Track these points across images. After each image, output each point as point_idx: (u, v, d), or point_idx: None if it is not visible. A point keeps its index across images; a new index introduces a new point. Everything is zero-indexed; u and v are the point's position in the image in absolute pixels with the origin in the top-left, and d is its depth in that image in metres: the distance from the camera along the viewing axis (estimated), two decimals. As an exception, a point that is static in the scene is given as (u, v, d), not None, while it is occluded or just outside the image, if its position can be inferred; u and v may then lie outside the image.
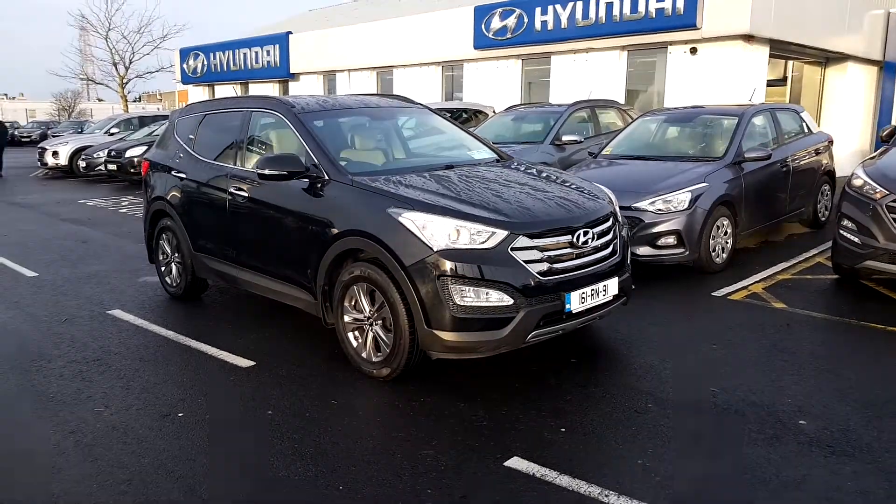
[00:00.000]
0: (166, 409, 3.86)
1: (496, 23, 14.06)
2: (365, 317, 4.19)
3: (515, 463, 3.18)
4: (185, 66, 24.73)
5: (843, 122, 14.62)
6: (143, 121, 20.84)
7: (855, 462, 3.17)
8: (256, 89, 22.82)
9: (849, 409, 3.71)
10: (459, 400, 3.88)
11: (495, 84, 14.99)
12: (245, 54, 22.21)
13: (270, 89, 22.25)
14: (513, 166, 4.98)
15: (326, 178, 4.42)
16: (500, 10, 13.94)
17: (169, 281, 6.20)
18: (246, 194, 4.99)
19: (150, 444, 3.44)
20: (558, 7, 12.83)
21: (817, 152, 8.38)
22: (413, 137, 5.44)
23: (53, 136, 26.43)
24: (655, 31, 11.75)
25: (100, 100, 69.08)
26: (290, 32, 20.64)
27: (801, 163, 7.95)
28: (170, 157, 6.03)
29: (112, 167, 16.13)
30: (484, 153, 5.26)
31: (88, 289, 6.52)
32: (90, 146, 17.94)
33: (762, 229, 7.57)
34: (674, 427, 3.53)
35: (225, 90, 24.02)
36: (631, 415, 3.68)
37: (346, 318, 4.33)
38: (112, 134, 19.87)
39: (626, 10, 11.88)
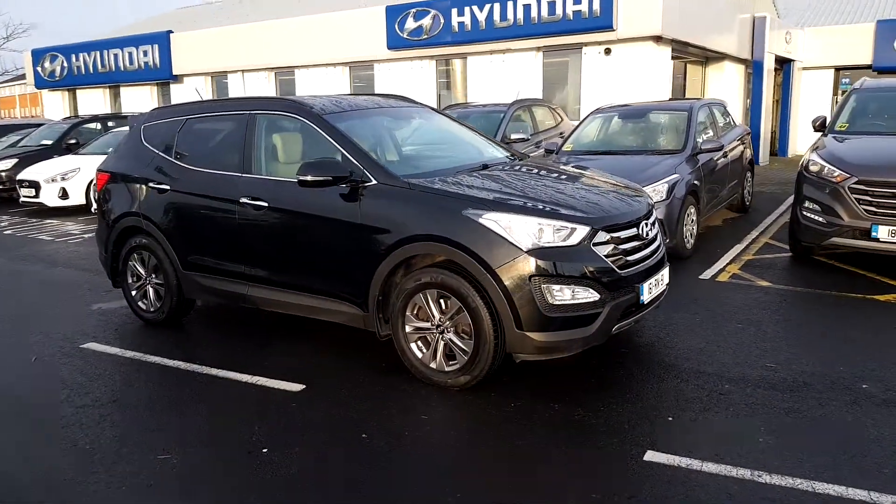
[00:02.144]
0: (242, 445, 3.48)
1: (411, 23, 14.00)
2: (434, 325, 4.02)
3: (653, 457, 3.20)
4: (39, 69, 22.36)
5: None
6: (-2, 130, 18.53)
7: (932, 417, 3.51)
8: (130, 93, 21.15)
9: (892, 370, 4.09)
10: (549, 401, 3.84)
11: (409, 85, 14.90)
12: (116, 55, 20.46)
13: (147, 93, 20.70)
14: (546, 164, 5.01)
15: (374, 182, 4.19)
16: (414, 10, 13.90)
17: (144, 305, 5.58)
18: (264, 204, 4.60)
19: (254, 484, 3.10)
20: (475, 8, 13.01)
21: (742, 143, 9.14)
22: (431, 137, 5.28)
23: None
24: (572, 32, 12.26)
25: None
26: (171, 31, 19.28)
27: (734, 152, 8.63)
28: (142, 168, 5.43)
29: (-26, 183, 14.21)
30: (502, 151, 5.22)
31: (35, 324, 5.71)
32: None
33: (711, 216, 8.14)
34: (762, 404, 3.71)
35: (91, 94, 22.02)
36: (717, 397, 3.83)
37: (408, 329, 4.13)
38: (-41, 147, 17.48)
39: (544, 12, 12.29)
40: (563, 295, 3.71)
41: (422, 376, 4.11)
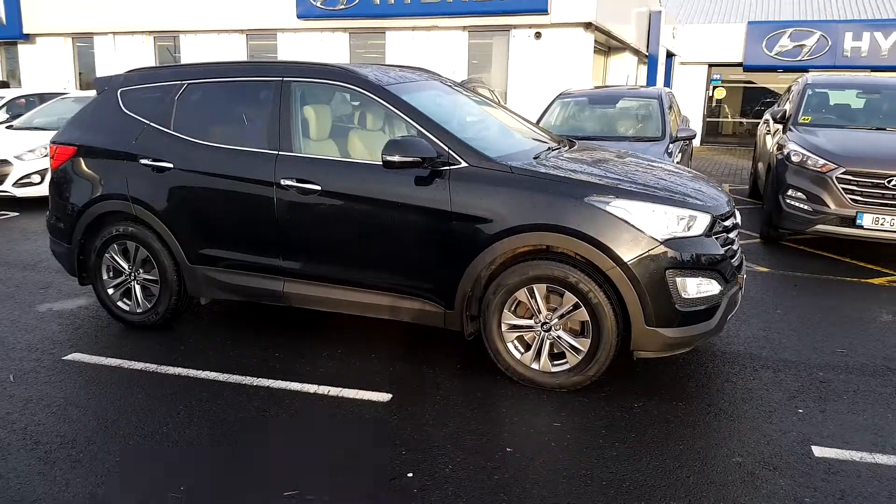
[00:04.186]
0: (378, 470, 2.95)
1: (326, -9, 13.12)
2: (539, 322, 3.68)
3: (822, 452, 3.12)
4: None
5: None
6: None
7: None
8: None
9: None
10: (668, 399, 3.65)
11: (317, 58, 13.99)
12: (-53, 6, 17.35)
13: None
14: (607, 149, 4.79)
15: (464, 164, 3.74)
16: (330, -23, 13.04)
17: (127, 306, 4.66)
18: (315, 187, 3.97)
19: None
20: (402, -19, 12.44)
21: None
22: (476, 114, 4.83)
23: None
24: (504, 13, 12.09)
25: None
26: (23, -18, 16.67)
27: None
28: (126, 141, 4.51)
29: None
30: (544, 134, 4.92)
31: (-21, 331, 4.62)
32: None
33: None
34: (868, 391, 3.76)
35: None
36: (820, 386, 3.84)
37: (504, 327, 3.76)
38: None
39: (477, -10, 12.02)
40: (693, 288, 3.53)
41: (520, 378, 3.76)
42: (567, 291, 3.58)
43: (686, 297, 3.51)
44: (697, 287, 3.56)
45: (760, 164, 9.01)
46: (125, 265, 4.61)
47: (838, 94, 7.94)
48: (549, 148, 4.39)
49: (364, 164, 3.99)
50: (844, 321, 4.92)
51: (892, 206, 6.11)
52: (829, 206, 6.34)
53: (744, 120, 23.29)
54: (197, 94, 4.47)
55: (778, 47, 19.68)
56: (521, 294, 3.68)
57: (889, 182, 6.10)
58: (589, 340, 3.59)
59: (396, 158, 3.64)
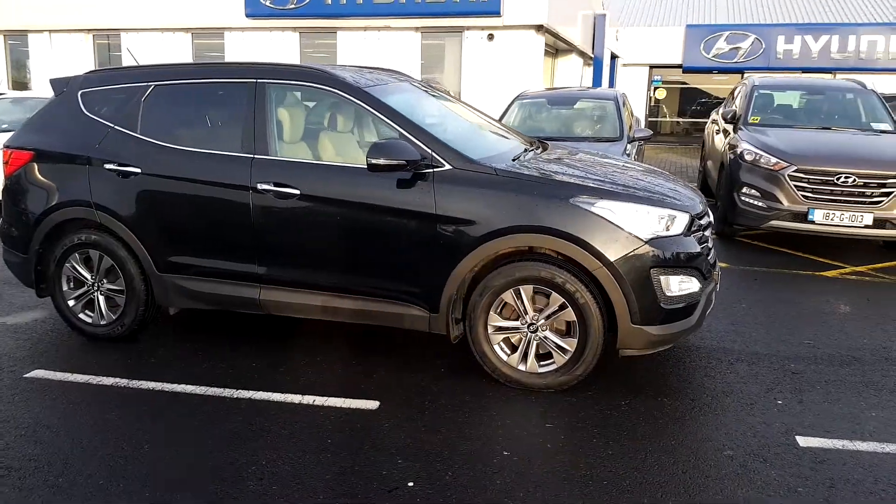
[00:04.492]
0: (378, 481, 2.90)
1: (276, -10, 12.86)
2: (526, 323, 3.69)
3: (807, 442, 3.23)
4: None
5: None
6: None
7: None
8: None
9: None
10: (656, 396, 3.71)
11: (267, 58, 13.71)
12: None
13: None
14: (576, 150, 4.83)
15: (447, 167, 3.72)
16: (280, -24, 12.78)
17: (90, 318, 4.45)
18: (294, 191, 3.87)
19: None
20: (354, -19, 12.30)
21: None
22: (445, 114, 4.79)
23: None
24: (457, 14, 12.11)
25: None
26: (-53, -24, 15.73)
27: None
28: (89, 145, 4.30)
29: None
30: (514, 135, 4.94)
31: (-77, 348, 4.33)
32: None
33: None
34: (839, 380, 3.92)
35: None
36: (794, 377, 3.98)
37: (490, 329, 3.75)
38: None
39: (430, -9, 12.00)
40: (676, 286, 3.61)
41: (507, 380, 3.77)
42: (554, 292, 3.61)
43: (669, 294, 3.59)
44: (679, 285, 3.64)
45: (710, 163, 9.29)
46: (87, 275, 4.40)
47: (782, 95, 8.27)
48: (524, 150, 4.41)
49: (344, 167, 3.93)
50: (806, 313, 5.12)
51: (841, 201, 6.41)
52: (782, 203, 6.60)
53: (681, 119, 24.09)
54: (165, 96, 4.30)
55: (715, 49, 20.40)
56: (508, 296, 3.69)
57: (838, 179, 6.39)
58: (576, 340, 3.63)
59: (382, 161, 3.59)
